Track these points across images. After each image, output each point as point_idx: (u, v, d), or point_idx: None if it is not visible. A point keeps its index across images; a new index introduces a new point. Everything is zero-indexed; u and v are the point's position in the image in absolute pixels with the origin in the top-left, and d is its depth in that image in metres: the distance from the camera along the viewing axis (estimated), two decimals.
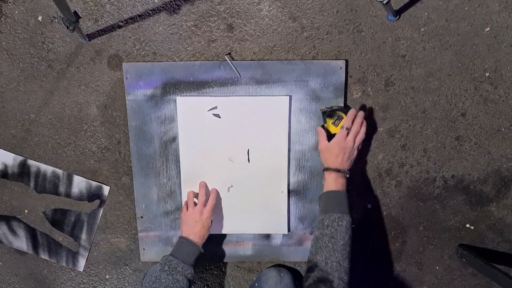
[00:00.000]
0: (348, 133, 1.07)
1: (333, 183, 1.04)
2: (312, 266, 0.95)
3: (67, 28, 0.98)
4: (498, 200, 1.28)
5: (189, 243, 1.07)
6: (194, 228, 1.09)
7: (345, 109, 1.14)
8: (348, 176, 1.06)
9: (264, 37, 1.16)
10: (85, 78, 1.19)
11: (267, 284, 1.16)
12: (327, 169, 1.07)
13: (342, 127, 1.08)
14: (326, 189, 1.05)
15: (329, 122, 1.12)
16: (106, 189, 1.27)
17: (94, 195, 1.27)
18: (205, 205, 1.14)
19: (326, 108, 1.15)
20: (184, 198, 1.22)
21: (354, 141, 1.07)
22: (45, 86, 1.20)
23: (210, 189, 1.19)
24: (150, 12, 1.14)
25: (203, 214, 1.11)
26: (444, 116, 1.21)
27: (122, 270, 1.34)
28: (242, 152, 1.19)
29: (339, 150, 1.05)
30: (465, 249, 1.27)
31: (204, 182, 1.19)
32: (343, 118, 1.11)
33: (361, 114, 1.10)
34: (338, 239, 0.95)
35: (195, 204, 1.15)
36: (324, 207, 1.02)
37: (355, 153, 1.08)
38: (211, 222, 1.13)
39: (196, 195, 1.19)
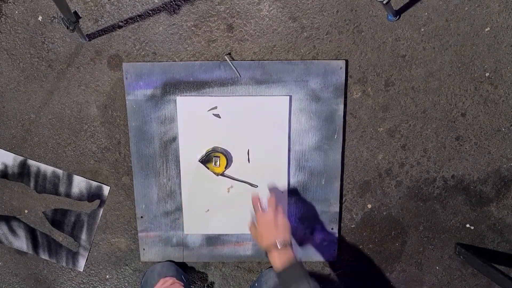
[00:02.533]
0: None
1: (278, 260, 0.98)
2: None
3: (67, 28, 0.98)
4: (498, 200, 1.28)
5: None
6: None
7: (215, 147, 1.17)
8: (290, 244, 1.02)
9: (264, 37, 1.16)
10: (85, 78, 1.19)
11: (267, 284, 1.16)
12: (267, 252, 1.02)
13: (256, 209, 1.07)
14: (275, 270, 1.00)
15: (211, 166, 1.18)
16: (106, 189, 1.27)
17: (94, 195, 1.27)
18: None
19: (201, 156, 1.17)
20: (184, 198, 1.22)
21: (274, 212, 1.05)
22: (45, 86, 1.20)
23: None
24: (150, 12, 1.15)
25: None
26: (444, 116, 1.21)
27: (122, 270, 1.34)
28: (242, 152, 1.19)
29: (266, 229, 1.03)
30: (463, 247, 1.27)
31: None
32: (219, 156, 1.17)
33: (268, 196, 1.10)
34: None
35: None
36: (282, 285, 0.98)
37: (283, 220, 1.04)
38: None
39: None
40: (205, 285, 1.34)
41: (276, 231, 1.02)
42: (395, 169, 1.25)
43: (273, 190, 1.21)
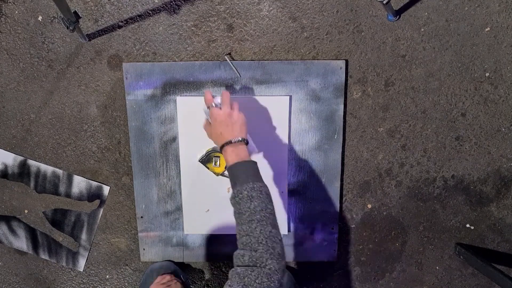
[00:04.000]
0: (220, 108, 1.01)
1: (229, 156, 0.95)
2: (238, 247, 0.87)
3: (67, 28, 0.98)
4: (498, 200, 1.28)
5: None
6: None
7: (215, 147, 1.16)
8: (247, 143, 0.98)
9: (264, 37, 1.16)
10: (85, 78, 1.19)
11: None
12: (221, 148, 0.98)
13: (210, 106, 1.02)
14: (226, 164, 0.96)
15: (211, 166, 1.18)
16: (106, 189, 1.27)
17: (94, 195, 1.27)
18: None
19: (201, 156, 1.18)
20: (184, 198, 1.22)
21: (228, 109, 1.00)
22: (45, 86, 1.20)
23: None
24: (150, 12, 1.15)
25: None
26: (444, 116, 1.21)
27: (122, 270, 1.34)
28: None
29: (221, 126, 0.98)
30: (463, 247, 1.27)
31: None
32: (219, 156, 1.17)
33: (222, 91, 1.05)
34: (243, 211, 0.86)
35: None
36: (231, 184, 0.93)
37: (238, 116, 0.99)
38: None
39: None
40: (205, 285, 1.34)
41: (232, 128, 0.98)
42: (395, 169, 1.25)
43: (227, 89, 1.13)
